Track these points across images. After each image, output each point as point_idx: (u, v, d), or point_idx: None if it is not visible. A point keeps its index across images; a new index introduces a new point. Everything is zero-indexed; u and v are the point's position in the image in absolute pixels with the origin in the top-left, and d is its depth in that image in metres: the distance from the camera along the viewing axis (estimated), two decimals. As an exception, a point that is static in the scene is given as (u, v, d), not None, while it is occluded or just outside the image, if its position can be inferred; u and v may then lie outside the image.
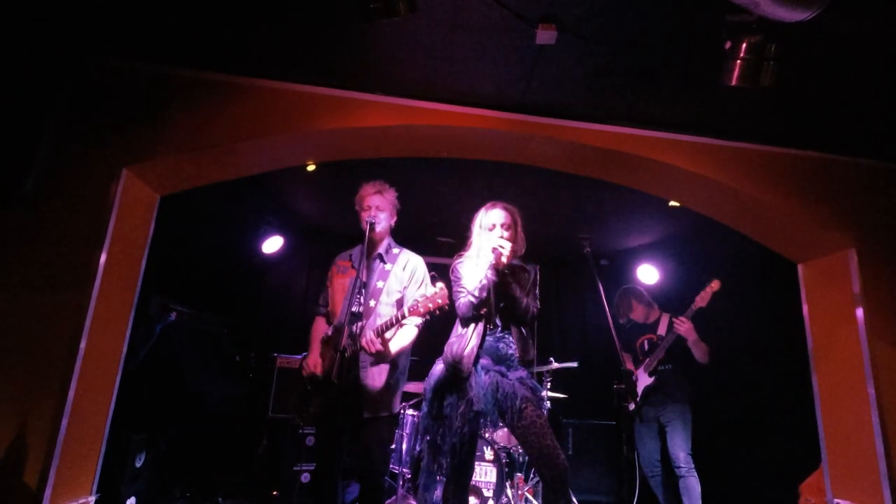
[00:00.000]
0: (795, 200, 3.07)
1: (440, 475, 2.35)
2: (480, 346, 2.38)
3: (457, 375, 2.34)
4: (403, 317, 2.39)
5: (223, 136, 2.77)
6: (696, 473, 3.50)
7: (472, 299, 2.35)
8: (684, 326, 3.60)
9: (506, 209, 2.55)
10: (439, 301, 2.30)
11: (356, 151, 3.23)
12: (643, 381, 3.81)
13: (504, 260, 2.36)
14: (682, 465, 3.52)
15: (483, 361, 2.39)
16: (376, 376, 2.52)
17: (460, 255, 2.61)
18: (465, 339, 2.38)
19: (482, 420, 2.33)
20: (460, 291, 2.45)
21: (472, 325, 2.41)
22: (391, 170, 3.10)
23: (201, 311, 4.28)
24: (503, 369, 2.38)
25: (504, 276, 2.41)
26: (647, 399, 3.77)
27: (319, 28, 2.49)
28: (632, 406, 3.66)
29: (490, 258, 2.36)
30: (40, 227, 2.49)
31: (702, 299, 3.60)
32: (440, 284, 2.37)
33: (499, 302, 2.41)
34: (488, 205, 2.58)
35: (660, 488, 3.77)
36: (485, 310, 2.40)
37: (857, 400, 2.88)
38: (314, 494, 2.51)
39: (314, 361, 2.61)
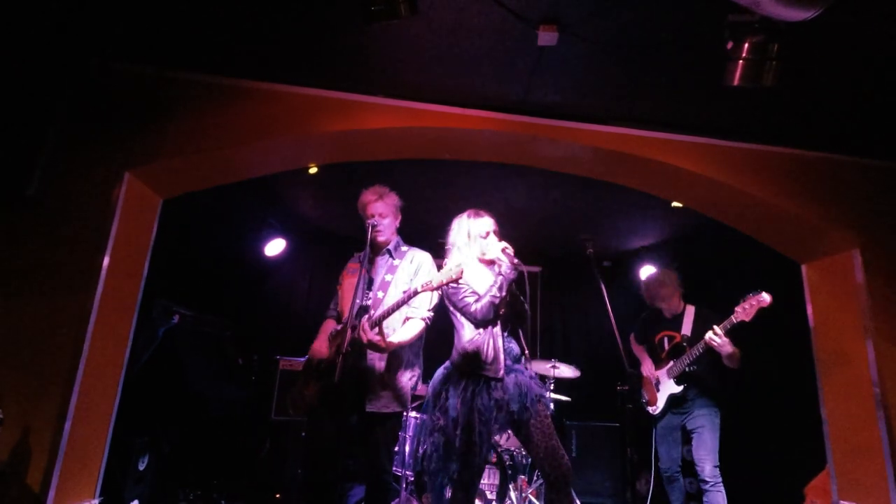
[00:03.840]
0: (799, 201, 3.06)
1: (450, 477, 2.34)
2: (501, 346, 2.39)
3: (479, 377, 2.32)
4: (416, 293, 2.34)
5: (225, 139, 2.78)
6: (722, 488, 3.16)
7: (494, 299, 2.34)
8: (719, 341, 3.10)
9: (490, 215, 2.58)
10: (453, 276, 2.24)
11: (358, 154, 3.23)
12: (666, 385, 3.45)
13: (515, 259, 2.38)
14: (707, 479, 3.18)
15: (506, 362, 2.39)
16: (377, 362, 2.47)
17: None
18: (488, 342, 2.36)
19: (505, 421, 2.31)
20: (469, 297, 2.42)
21: (487, 328, 2.39)
22: (393, 172, 3.11)
23: (204, 314, 4.27)
24: (521, 368, 2.40)
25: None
26: (671, 407, 3.44)
27: (321, 31, 2.49)
28: (653, 409, 3.48)
29: (505, 260, 2.38)
30: (43, 230, 2.50)
31: (745, 313, 3.04)
32: (455, 260, 2.35)
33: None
34: (471, 213, 2.59)
35: (675, 493, 3.51)
36: (503, 310, 2.40)
37: (862, 400, 2.87)
38: (307, 497, 2.46)
39: (319, 346, 2.61)
